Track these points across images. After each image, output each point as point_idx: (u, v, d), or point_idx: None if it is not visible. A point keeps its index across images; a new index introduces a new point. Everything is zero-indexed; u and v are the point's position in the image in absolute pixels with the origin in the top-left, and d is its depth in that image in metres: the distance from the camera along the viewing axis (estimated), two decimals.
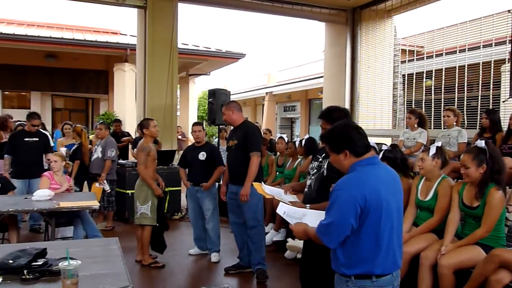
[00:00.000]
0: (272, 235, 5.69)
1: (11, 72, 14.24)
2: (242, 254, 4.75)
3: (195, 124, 5.54)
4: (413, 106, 8.45)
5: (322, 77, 11.55)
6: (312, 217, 2.42)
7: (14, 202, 4.72)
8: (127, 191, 6.88)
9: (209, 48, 14.57)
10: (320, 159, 2.99)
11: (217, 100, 7.10)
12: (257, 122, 12.31)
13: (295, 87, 18.11)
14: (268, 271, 4.57)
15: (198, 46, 14.49)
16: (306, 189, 3.10)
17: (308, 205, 2.79)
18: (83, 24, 15.55)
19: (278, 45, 68.66)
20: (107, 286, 2.32)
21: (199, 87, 21.94)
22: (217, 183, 5.42)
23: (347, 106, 9.55)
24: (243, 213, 4.51)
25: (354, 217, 2.06)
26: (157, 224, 4.93)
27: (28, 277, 2.35)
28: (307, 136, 6.10)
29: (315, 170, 3.00)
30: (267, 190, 3.08)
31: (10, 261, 2.44)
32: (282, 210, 2.60)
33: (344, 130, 2.25)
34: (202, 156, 5.24)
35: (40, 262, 2.46)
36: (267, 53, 64.14)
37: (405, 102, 9.19)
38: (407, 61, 9.42)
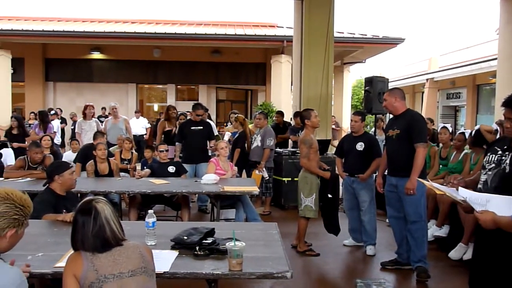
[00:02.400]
0: (433, 230, 5.26)
1: (183, 68, 15.93)
2: (401, 250, 4.51)
3: (354, 113, 5.38)
4: None
5: (494, 59, 10.24)
6: (499, 204, 2.14)
7: (186, 184, 5.27)
8: (284, 179, 7.11)
9: (365, 35, 14.14)
10: (500, 152, 2.61)
11: (374, 89, 6.84)
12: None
13: (461, 72, 16.43)
14: (429, 270, 4.25)
15: (354, 34, 14.18)
16: (480, 186, 2.75)
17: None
18: (243, 20, 16.51)
19: (441, 27, 63.14)
20: (268, 269, 2.42)
21: (353, 75, 21.47)
22: (374, 175, 5.22)
23: None
24: (403, 207, 4.25)
25: None
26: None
27: (199, 253, 2.58)
28: (477, 127, 5.46)
29: (493, 165, 2.64)
30: (435, 185, 2.82)
31: (185, 238, 2.71)
32: (464, 194, 2.35)
33: None
34: (360, 146, 5.08)
35: (209, 240, 2.68)
36: (428, 37, 59.54)
37: None
38: None
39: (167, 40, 13.86)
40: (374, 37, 14.01)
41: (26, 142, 8.10)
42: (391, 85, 7.10)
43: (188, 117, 7.38)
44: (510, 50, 8.92)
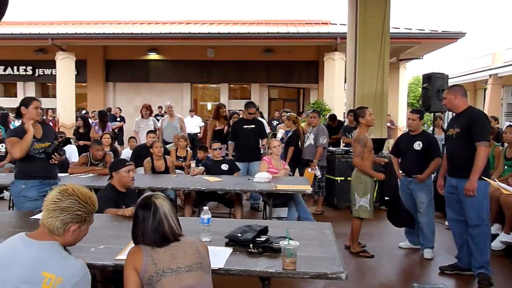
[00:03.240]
0: (501, 236, 4.97)
1: (235, 67, 16.12)
2: (461, 254, 4.30)
3: (412, 111, 5.17)
4: None
5: None
6: None
7: (239, 182, 5.32)
8: (337, 178, 7.01)
9: (423, 30, 13.63)
10: None
11: (432, 86, 6.56)
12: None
13: None
14: (492, 277, 4.02)
15: (411, 29, 13.72)
16: None
17: None
18: (296, 18, 16.43)
19: (505, 20, 59.60)
20: (323, 269, 2.39)
21: (410, 72, 20.78)
22: (432, 175, 5.02)
23: None
24: (464, 209, 4.05)
25: None
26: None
27: (253, 251, 2.59)
28: None
29: None
30: (502, 185, 2.67)
31: (239, 235, 2.74)
32: None
33: None
34: (417, 145, 4.87)
35: (263, 238, 2.69)
36: (491, 30, 56.43)
37: None
38: None
39: (220, 40, 14.08)
40: (433, 32, 13.47)
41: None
42: (451, 82, 6.79)
43: (241, 116, 7.44)
44: None
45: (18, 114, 4.03)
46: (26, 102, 3.99)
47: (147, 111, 9.07)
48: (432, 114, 7.51)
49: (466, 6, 64.73)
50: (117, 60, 16.54)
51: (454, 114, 4.27)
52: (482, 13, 63.20)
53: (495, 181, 2.82)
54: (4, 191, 7.04)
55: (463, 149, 3.97)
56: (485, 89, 19.44)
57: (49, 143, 4.03)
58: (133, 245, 2.18)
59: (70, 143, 4.43)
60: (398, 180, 5.20)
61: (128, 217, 3.27)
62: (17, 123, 8.63)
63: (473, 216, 3.98)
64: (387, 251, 5.05)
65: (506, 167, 5.68)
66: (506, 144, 5.78)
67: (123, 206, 3.60)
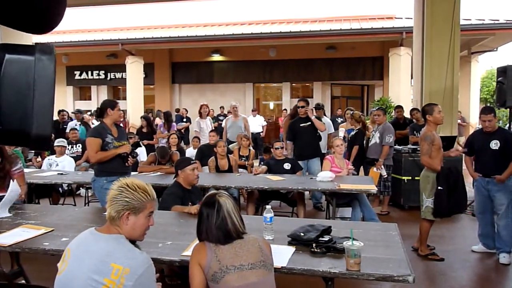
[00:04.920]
0: None
1: (297, 66, 16.06)
2: None
3: (484, 112, 4.70)
4: None
5: None
6: None
7: (301, 181, 5.30)
8: (403, 178, 6.76)
9: (497, 20, 12.77)
10: None
11: (508, 79, 6.13)
12: None
13: None
14: None
15: (483, 20, 12.91)
16: None
17: None
18: (359, 13, 16.03)
19: None
20: (388, 271, 2.32)
21: (483, 65, 19.56)
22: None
23: None
24: None
25: None
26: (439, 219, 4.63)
27: (316, 250, 2.57)
28: None
29: None
30: None
31: (302, 234, 2.73)
32: None
33: None
34: (494, 144, 4.57)
35: (326, 238, 2.66)
36: None
37: None
38: None
39: (282, 39, 14.08)
40: (508, 21, 12.57)
41: (154, 139, 8.97)
42: None
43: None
44: None
45: (101, 114, 4.30)
46: (112, 104, 4.34)
47: (206, 109, 9.30)
48: (509, 109, 7.02)
49: None
50: (182, 62, 17.09)
51: None
52: None
53: None
54: (81, 188, 7.51)
55: None
56: None
57: (125, 142, 4.32)
58: (198, 241, 2.24)
59: (140, 146, 4.68)
60: (474, 180, 4.91)
61: (194, 214, 3.36)
62: (96, 122, 9.19)
63: None
64: (459, 255, 4.80)
65: None
66: None
67: (189, 203, 3.71)
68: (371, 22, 14.64)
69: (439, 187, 4.44)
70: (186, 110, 13.89)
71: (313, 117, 6.59)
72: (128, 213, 1.96)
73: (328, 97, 16.93)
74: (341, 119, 10.29)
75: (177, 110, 14.50)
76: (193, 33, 15.04)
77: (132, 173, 5.96)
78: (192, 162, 4.06)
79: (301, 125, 6.67)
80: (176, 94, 17.61)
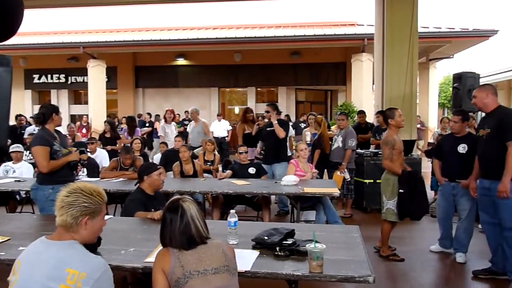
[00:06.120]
0: None
1: (262, 71, 16.17)
2: (496, 258, 4.17)
3: (454, 112, 4.92)
4: None
5: None
6: None
7: (266, 185, 5.33)
8: (365, 181, 6.92)
9: (453, 29, 13.34)
10: None
11: (463, 85, 6.41)
12: None
13: None
14: None
15: (440, 28, 13.45)
16: None
17: None
18: (323, 20, 16.35)
19: None
20: (350, 272, 2.37)
21: (440, 72, 20.30)
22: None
23: None
24: (498, 212, 3.93)
25: None
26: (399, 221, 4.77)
27: (280, 253, 2.60)
28: None
29: None
30: None
31: (265, 238, 2.75)
32: None
33: None
34: (462, 148, 4.67)
35: (289, 241, 2.69)
36: None
37: None
38: None
39: (247, 44, 14.15)
40: (463, 30, 13.15)
41: (117, 145, 8.76)
42: (483, 81, 6.62)
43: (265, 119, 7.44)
44: None
45: (45, 120, 4.14)
46: (56, 109, 4.25)
47: (171, 115, 9.22)
48: None
49: (498, 3, 62.84)
50: (146, 66, 16.88)
51: (484, 114, 4.16)
52: None
53: None
54: None
55: (495, 150, 3.85)
56: None
57: (70, 149, 4.23)
58: (161, 247, 2.22)
59: (85, 152, 4.60)
60: (440, 184, 5.03)
61: (157, 220, 3.32)
62: (35, 128, 8.79)
63: (508, 218, 3.86)
64: (419, 255, 4.95)
65: None
66: None
67: (152, 210, 3.67)
68: (334, 29, 14.95)
69: (400, 190, 4.58)
70: (150, 115, 13.72)
71: (275, 122, 6.62)
72: (88, 218, 1.93)
73: (293, 102, 17.13)
74: (305, 124, 10.43)
75: (139, 116, 14.30)
76: (157, 37, 14.90)
77: (94, 179, 5.85)
78: (158, 167, 4.03)
79: (267, 129, 6.73)
80: (139, 99, 17.36)
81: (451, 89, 7.05)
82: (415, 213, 4.65)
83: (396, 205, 4.64)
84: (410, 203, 4.55)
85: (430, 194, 6.58)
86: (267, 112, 6.67)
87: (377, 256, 4.83)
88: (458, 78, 6.61)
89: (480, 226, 4.92)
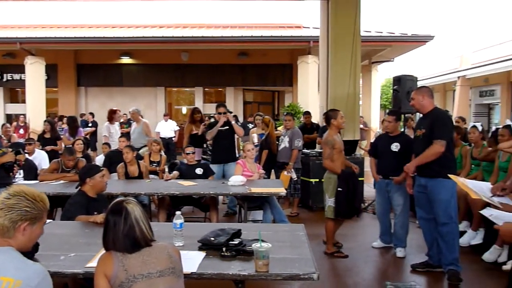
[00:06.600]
0: (469, 237, 5.10)
1: (210, 71, 16.08)
2: (432, 252, 4.40)
3: (389, 113, 5.21)
4: None
5: None
6: None
7: (213, 186, 5.31)
8: (311, 180, 7.07)
9: (393, 33, 13.93)
10: None
11: (402, 87, 6.71)
12: (447, 110, 11.26)
13: (495, 68, 15.96)
14: (462, 273, 4.14)
15: (381, 32, 13.99)
16: None
17: None
18: (270, 22, 16.53)
19: (472, 23, 61.35)
20: (295, 270, 2.41)
21: (382, 74, 21.15)
22: None
23: None
24: (433, 208, 4.16)
25: None
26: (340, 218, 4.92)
27: (226, 254, 2.60)
28: (508, 122, 5.28)
29: None
30: (470, 184, 2.75)
31: (212, 239, 2.74)
32: (488, 212, 2.30)
33: None
34: (395, 147, 4.92)
35: (236, 241, 2.70)
36: (458, 33, 58.03)
37: None
38: None
39: (195, 44, 14.04)
40: (403, 35, 13.77)
41: (58, 145, 8.39)
42: (421, 84, 6.96)
43: (212, 120, 7.41)
44: None
45: None
46: None
47: (116, 114, 8.98)
48: (403, 115, 7.66)
49: (435, 10, 66.44)
50: (89, 64, 16.27)
51: (421, 115, 4.39)
52: (451, 17, 64.96)
53: (461, 180, 2.91)
54: None
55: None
56: (454, 91, 19.99)
57: (4, 150, 4.02)
58: (104, 251, 2.16)
59: (21, 153, 4.40)
60: (375, 182, 5.26)
61: (100, 223, 3.22)
62: None
63: (441, 214, 4.09)
64: (362, 251, 5.13)
65: (473, 166, 5.86)
66: (473, 144, 5.96)
67: (95, 213, 3.55)
68: (281, 30, 15.15)
69: (339, 188, 4.74)
70: (92, 115, 13.26)
71: (233, 122, 6.64)
72: (27, 223, 1.83)
73: (241, 102, 17.17)
74: (253, 125, 10.50)
75: (82, 115, 13.78)
76: (100, 34, 14.42)
77: (32, 182, 5.56)
78: (101, 169, 3.90)
79: (220, 129, 6.63)
80: (82, 98, 16.72)
81: (391, 91, 7.36)
82: (350, 212, 4.85)
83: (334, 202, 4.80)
84: (346, 202, 4.74)
85: (372, 192, 6.85)
86: (221, 113, 6.61)
87: (322, 253, 4.95)
88: (398, 80, 6.91)
89: (417, 222, 5.18)
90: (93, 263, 2.35)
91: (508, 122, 5.25)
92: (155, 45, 14.32)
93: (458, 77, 19.05)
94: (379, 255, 5.09)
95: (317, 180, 7.01)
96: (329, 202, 4.84)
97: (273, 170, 7.23)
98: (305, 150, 7.30)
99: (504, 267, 4.32)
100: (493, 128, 5.84)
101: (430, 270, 4.40)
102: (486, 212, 2.33)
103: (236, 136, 7.07)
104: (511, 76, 16.36)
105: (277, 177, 6.84)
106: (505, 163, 4.90)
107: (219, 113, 6.63)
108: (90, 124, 12.47)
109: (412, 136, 4.92)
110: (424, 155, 4.02)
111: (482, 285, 4.17)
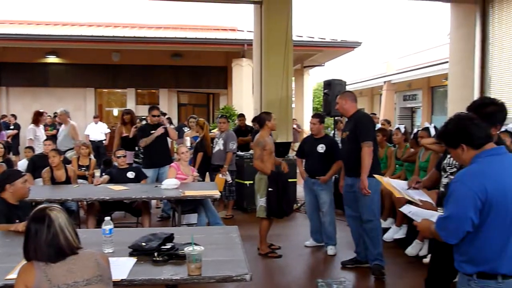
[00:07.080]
0: (393, 232, 5.42)
1: (143, 72, 15.66)
2: (359, 249, 4.63)
3: (313, 116, 5.47)
4: None
5: (446, 62, 10.67)
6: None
7: (146, 190, 5.19)
8: (246, 182, 7.13)
9: (324, 39, 14.39)
10: None
11: (332, 91, 6.99)
12: (373, 113, 11.87)
13: (416, 74, 17.05)
14: (387, 267, 4.38)
15: (313, 38, 14.40)
16: (442, 189, 2.86)
17: (440, 209, 2.56)
18: (204, 23, 16.44)
19: (397, 32, 65.12)
20: (228, 272, 2.43)
21: (314, 78, 21.75)
22: (333, 176, 5.33)
23: (476, 92, 8.73)
24: (359, 206, 4.37)
25: (474, 211, 1.93)
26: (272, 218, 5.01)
27: (158, 259, 2.56)
28: (426, 124, 5.66)
29: (455, 169, 2.74)
30: (394, 183, 2.92)
31: (143, 244, 2.69)
32: (407, 209, 2.45)
33: (458, 124, 2.12)
34: (321, 148, 5.14)
35: (168, 246, 2.66)
36: (384, 41, 61.35)
37: None
38: None
39: (126, 44, 13.62)
40: (333, 40, 14.28)
41: None
42: (350, 88, 7.28)
43: (144, 122, 7.22)
44: (459, 53, 9.36)
45: None
46: None
47: (40, 117, 8.51)
48: (333, 118, 7.97)
49: (363, 18, 69.75)
50: (12, 62, 15.20)
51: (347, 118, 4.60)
52: (377, 24, 68.54)
53: (386, 179, 3.09)
54: None
55: (354, 150, 4.26)
56: (381, 95, 21.08)
57: None
58: (25, 262, 2.04)
59: None
60: (302, 180, 5.43)
61: (21, 232, 3.03)
62: None
63: (366, 212, 4.31)
64: (294, 251, 5.26)
65: (397, 166, 6.22)
66: (397, 145, 6.32)
67: (17, 221, 3.34)
68: (215, 33, 15.14)
69: (269, 189, 4.85)
70: (15, 117, 12.45)
71: (167, 125, 6.55)
72: None
73: (175, 104, 16.90)
74: (187, 128, 10.41)
75: (3, 117, 12.87)
76: (25, 31, 13.59)
77: None
78: (22, 174, 3.67)
79: (151, 132, 6.46)
80: (3, 98, 15.61)
81: (322, 94, 7.62)
82: (281, 211, 4.97)
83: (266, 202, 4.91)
84: (277, 202, 4.87)
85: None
86: (155, 116, 6.48)
87: (257, 254, 5.01)
88: (328, 84, 7.18)
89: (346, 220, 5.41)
90: (14, 275, 2.21)
91: (427, 124, 5.62)
92: (83, 44, 13.70)
93: (384, 82, 20.11)
94: (311, 253, 5.25)
95: (251, 182, 6.97)
96: (261, 202, 4.94)
97: (207, 173, 7.20)
98: (239, 153, 7.35)
99: (425, 260, 4.62)
100: (415, 130, 6.24)
101: (359, 266, 4.62)
102: (406, 209, 2.48)
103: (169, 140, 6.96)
104: (430, 81, 17.56)
105: (212, 179, 6.81)
106: (425, 163, 5.24)
107: (153, 116, 6.51)
108: (12, 127, 11.68)
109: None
110: (363, 162, 4.15)
111: (405, 278, 4.44)
